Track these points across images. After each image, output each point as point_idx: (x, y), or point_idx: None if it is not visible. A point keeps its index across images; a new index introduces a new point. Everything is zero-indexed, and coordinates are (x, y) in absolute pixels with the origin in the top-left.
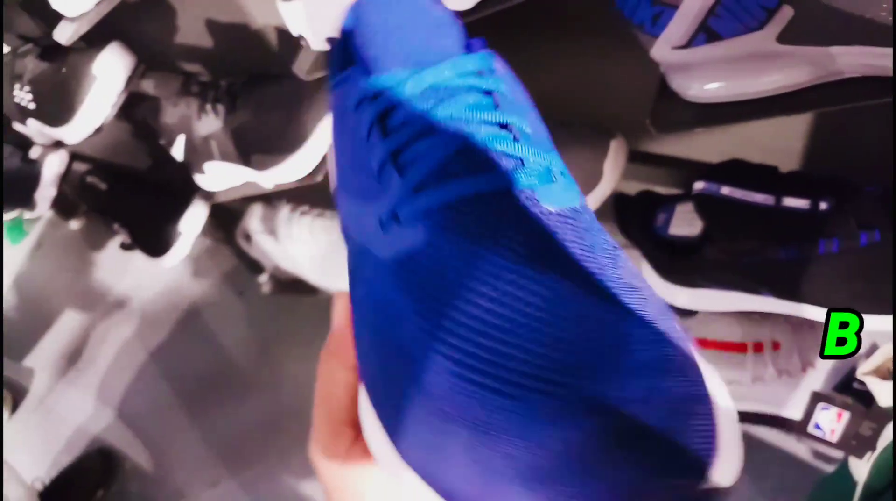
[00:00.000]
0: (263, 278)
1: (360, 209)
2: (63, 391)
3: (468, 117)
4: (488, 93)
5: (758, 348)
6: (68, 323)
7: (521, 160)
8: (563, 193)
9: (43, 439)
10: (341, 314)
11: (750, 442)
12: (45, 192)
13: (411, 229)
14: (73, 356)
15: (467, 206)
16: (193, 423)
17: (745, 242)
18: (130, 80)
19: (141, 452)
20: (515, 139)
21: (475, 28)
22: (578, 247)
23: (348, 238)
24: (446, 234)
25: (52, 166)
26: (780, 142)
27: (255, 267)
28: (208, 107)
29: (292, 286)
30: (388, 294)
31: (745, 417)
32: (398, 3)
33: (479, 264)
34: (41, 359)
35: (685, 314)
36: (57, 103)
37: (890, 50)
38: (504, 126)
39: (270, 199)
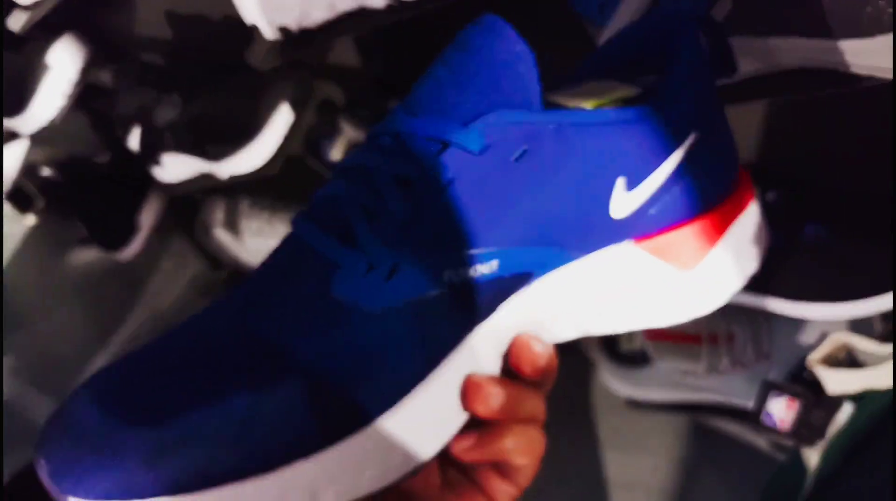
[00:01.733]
0: (224, 273)
1: None
2: (29, 392)
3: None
4: (418, 169)
5: (713, 339)
6: (27, 320)
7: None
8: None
9: (10, 440)
10: None
11: (711, 434)
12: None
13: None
14: (33, 354)
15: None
16: None
17: None
18: (86, 70)
19: None
20: (372, 221)
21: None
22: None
23: None
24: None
25: (8, 159)
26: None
27: (214, 262)
28: (165, 97)
29: None
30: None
31: (702, 408)
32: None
33: None
34: (6, 359)
35: None
36: (11, 94)
37: (829, 42)
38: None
39: (231, 192)
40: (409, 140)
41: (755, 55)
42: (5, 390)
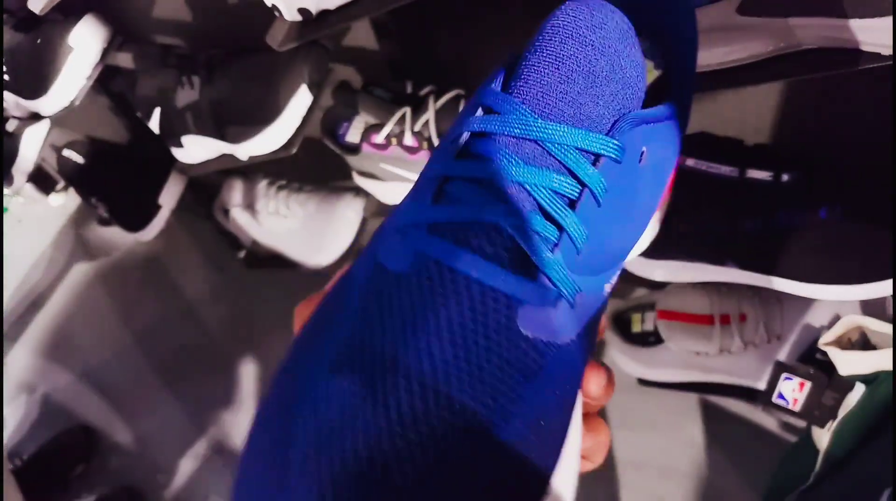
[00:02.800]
0: (241, 253)
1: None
2: (43, 367)
3: (533, 195)
4: (579, 185)
5: (725, 320)
6: (48, 299)
7: (544, 274)
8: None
9: (22, 416)
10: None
11: (720, 414)
12: (23, 166)
13: (403, 254)
14: (54, 333)
15: (454, 275)
16: (173, 397)
17: (711, 213)
18: (107, 52)
19: (121, 427)
20: (553, 249)
21: None
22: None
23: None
24: (421, 278)
25: (30, 140)
26: (750, 116)
27: (233, 242)
28: (185, 79)
29: (270, 261)
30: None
31: (713, 388)
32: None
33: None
34: (21, 336)
35: (656, 285)
36: (32, 75)
37: (847, 21)
38: (559, 227)
39: (248, 173)
40: (561, 152)
41: (775, 35)
42: (25, 369)
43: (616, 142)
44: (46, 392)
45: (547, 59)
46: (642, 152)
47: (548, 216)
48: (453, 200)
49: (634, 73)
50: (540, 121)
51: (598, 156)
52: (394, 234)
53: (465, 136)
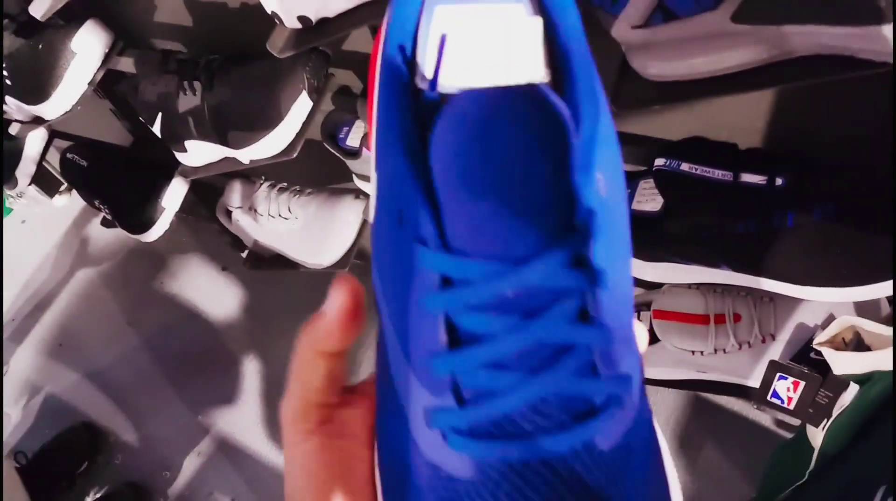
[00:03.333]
0: (245, 254)
1: (401, 362)
2: (48, 367)
3: (554, 353)
4: (583, 295)
5: (719, 319)
6: (53, 299)
7: (596, 408)
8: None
9: (28, 415)
10: (337, 301)
11: (715, 410)
12: (26, 168)
13: (457, 456)
14: (59, 332)
15: (526, 470)
16: (177, 396)
17: (704, 216)
18: (108, 57)
19: (125, 425)
20: (595, 374)
21: None
22: None
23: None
24: (493, 487)
25: (33, 143)
26: (744, 120)
27: (236, 243)
28: (186, 85)
29: (273, 262)
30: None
31: (708, 386)
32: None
33: None
34: (27, 336)
35: (651, 286)
36: (34, 80)
37: (840, 29)
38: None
39: (250, 175)
40: (551, 280)
41: (769, 42)
42: (30, 369)
43: (577, 230)
44: (52, 391)
45: (464, 189)
46: (598, 180)
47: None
48: (481, 395)
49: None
50: (511, 266)
51: (577, 254)
52: (431, 431)
53: (441, 319)
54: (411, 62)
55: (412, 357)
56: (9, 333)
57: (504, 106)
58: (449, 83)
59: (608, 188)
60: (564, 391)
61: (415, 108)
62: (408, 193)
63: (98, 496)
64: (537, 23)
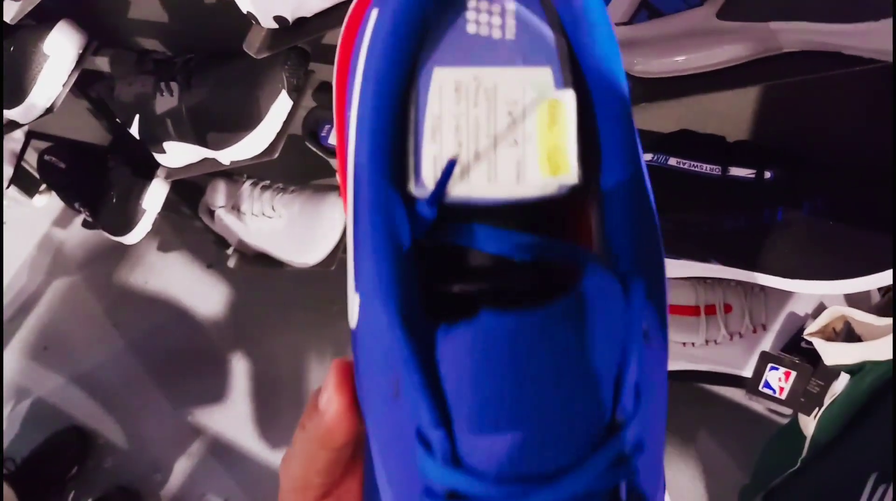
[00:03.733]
0: (231, 251)
1: None
2: (34, 370)
3: None
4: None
5: (710, 310)
6: (36, 302)
7: None
8: None
9: (15, 420)
10: (334, 401)
11: (709, 398)
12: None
13: None
14: (43, 335)
15: None
16: (166, 397)
17: (693, 212)
18: (83, 58)
19: (114, 427)
20: None
21: None
22: None
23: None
24: None
25: (9, 146)
26: (733, 110)
27: (221, 242)
28: (163, 86)
29: (258, 260)
30: None
31: (701, 376)
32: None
33: None
34: (11, 340)
35: None
36: (8, 84)
37: (828, 26)
38: None
39: (232, 174)
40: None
41: (756, 39)
42: (16, 373)
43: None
44: (39, 395)
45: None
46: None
47: None
48: None
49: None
50: (535, 487)
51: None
52: None
53: None
54: (400, 147)
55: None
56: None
57: (539, 330)
58: (455, 194)
59: (652, 334)
60: None
61: (411, 230)
62: (405, 374)
63: (89, 500)
64: (570, 99)
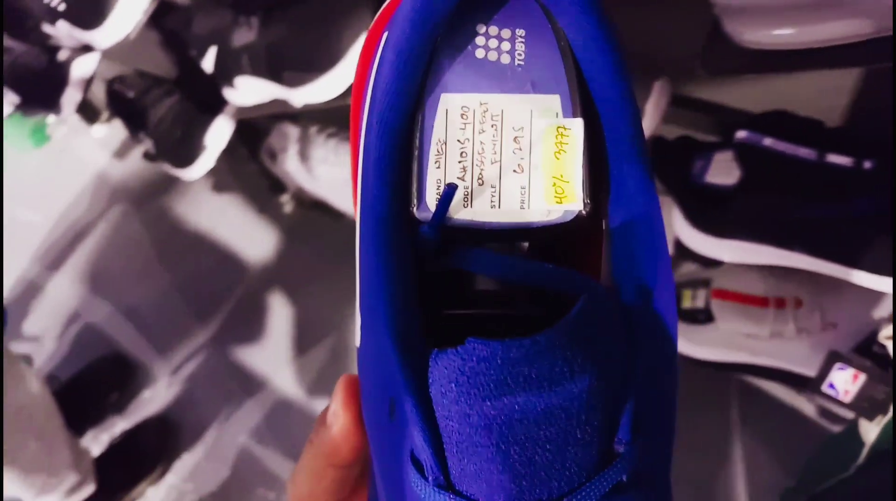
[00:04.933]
0: (285, 198)
1: None
2: (83, 297)
3: None
4: None
5: (780, 303)
6: (89, 231)
7: None
8: None
9: (62, 342)
10: (340, 417)
11: (757, 396)
12: (71, 96)
13: None
14: (93, 264)
15: None
16: (206, 335)
17: (784, 195)
18: None
19: (154, 360)
20: None
21: None
22: None
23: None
24: None
25: (80, 71)
26: (827, 97)
27: (277, 186)
28: (241, 19)
29: (315, 208)
30: None
31: (759, 371)
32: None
33: None
34: (64, 265)
35: (710, 263)
36: (88, 6)
37: None
38: None
39: (298, 118)
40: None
41: (878, 15)
42: (67, 297)
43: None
44: (87, 321)
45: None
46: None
47: None
48: None
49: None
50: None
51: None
52: None
53: None
54: (405, 171)
55: None
56: (47, 261)
57: (526, 359)
58: (458, 218)
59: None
60: None
61: (413, 256)
62: (400, 397)
63: (125, 427)
64: (578, 127)
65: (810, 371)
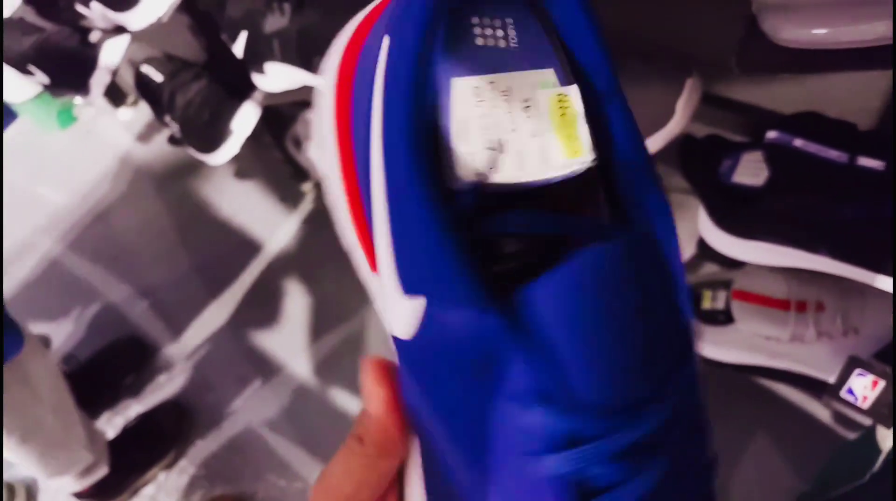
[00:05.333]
0: (307, 187)
1: None
2: (103, 277)
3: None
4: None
5: (801, 307)
6: (111, 212)
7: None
8: None
9: (81, 321)
10: (374, 381)
11: (773, 400)
12: (101, 78)
13: None
14: (114, 245)
15: None
16: (224, 321)
17: (812, 197)
18: None
19: (172, 343)
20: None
21: None
22: None
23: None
24: None
25: (111, 53)
26: (860, 99)
27: (300, 174)
28: (275, 4)
29: None
30: None
31: (777, 374)
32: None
33: None
34: (86, 245)
35: (731, 264)
36: None
37: None
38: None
39: None
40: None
41: None
42: (87, 275)
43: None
44: (106, 302)
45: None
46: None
47: None
48: None
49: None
50: (638, 412)
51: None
52: None
53: (565, 483)
54: (432, 155)
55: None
56: (68, 241)
57: (615, 262)
58: (492, 181)
59: None
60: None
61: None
62: (503, 342)
63: (141, 409)
64: (574, 92)
65: (829, 376)
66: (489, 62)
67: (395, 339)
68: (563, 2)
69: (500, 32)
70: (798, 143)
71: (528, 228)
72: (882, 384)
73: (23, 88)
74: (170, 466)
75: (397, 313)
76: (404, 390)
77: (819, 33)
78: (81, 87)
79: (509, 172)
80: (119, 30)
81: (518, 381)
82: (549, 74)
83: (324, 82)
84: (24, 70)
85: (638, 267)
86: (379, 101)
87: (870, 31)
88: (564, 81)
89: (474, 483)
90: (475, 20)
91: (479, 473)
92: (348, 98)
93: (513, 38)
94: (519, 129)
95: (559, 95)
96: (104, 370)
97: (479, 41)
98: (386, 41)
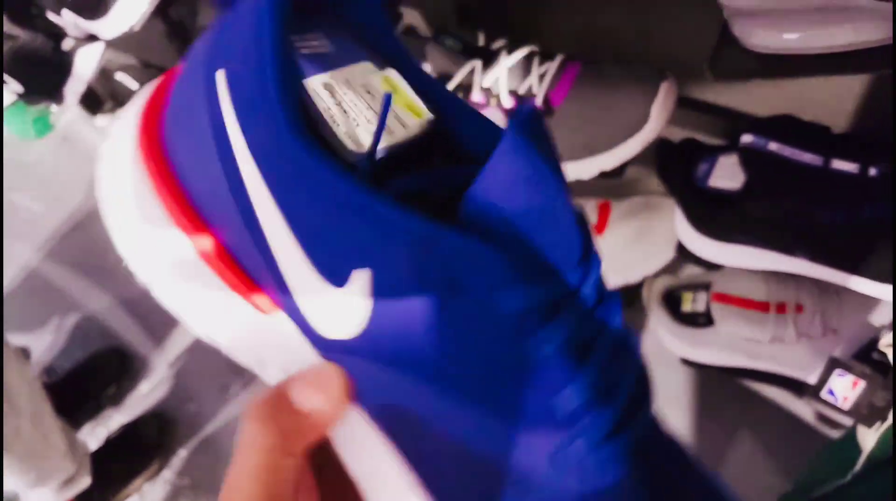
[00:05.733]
0: None
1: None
2: (83, 287)
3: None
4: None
5: (780, 308)
6: (90, 221)
7: None
8: None
9: (60, 333)
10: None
11: (755, 400)
12: (75, 86)
13: (602, 471)
14: (94, 254)
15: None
16: None
17: (788, 201)
18: None
19: (154, 354)
20: None
21: None
22: None
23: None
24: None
25: (85, 61)
26: (835, 101)
27: None
28: None
29: None
30: None
31: (759, 376)
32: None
33: None
34: (64, 255)
35: (711, 267)
36: None
37: None
38: None
39: None
40: None
41: (891, 20)
42: (67, 287)
43: None
44: (87, 313)
45: None
46: None
47: None
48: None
49: None
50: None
51: None
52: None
53: (552, 346)
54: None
55: (523, 412)
56: (46, 250)
57: (526, 130)
58: (379, 146)
59: None
60: None
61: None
62: (469, 262)
63: (123, 420)
64: (393, 73)
65: (810, 377)
66: (321, 65)
67: (328, 343)
68: (365, 11)
69: (316, 43)
70: (773, 146)
71: (428, 185)
72: (862, 384)
73: None
74: (153, 476)
75: (331, 312)
76: (360, 393)
77: (790, 38)
78: (55, 95)
79: (386, 140)
80: (92, 38)
81: (494, 274)
82: (366, 65)
83: (120, 164)
84: None
85: (536, 133)
86: (235, 124)
87: (837, 37)
88: (381, 66)
89: (496, 434)
90: (296, 38)
91: (499, 413)
92: (163, 161)
93: (327, 46)
94: (373, 106)
95: (384, 77)
96: (85, 381)
97: (306, 51)
98: (222, 73)
